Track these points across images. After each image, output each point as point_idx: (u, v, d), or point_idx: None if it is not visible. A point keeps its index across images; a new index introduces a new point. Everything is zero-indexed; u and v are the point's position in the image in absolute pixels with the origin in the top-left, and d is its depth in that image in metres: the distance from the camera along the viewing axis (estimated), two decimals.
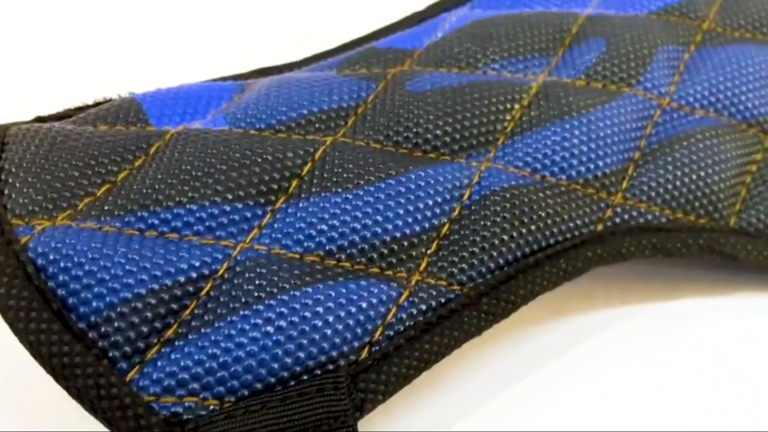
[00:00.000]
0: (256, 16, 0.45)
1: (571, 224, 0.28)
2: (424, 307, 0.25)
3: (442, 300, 0.25)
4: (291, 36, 0.43)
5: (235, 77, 0.32)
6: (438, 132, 0.28)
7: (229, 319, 0.23)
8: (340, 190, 0.26)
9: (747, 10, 0.36)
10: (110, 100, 0.30)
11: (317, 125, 0.28)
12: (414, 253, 0.26)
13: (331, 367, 0.23)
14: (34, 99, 0.39)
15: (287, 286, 0.23)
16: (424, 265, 0.26)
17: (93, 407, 0.21)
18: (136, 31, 0.43)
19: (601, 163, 0.29)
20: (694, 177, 0.30)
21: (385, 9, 0.40)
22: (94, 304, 0.22)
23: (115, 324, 0.22)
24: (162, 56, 0.42)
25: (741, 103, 0.33)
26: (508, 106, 0.30)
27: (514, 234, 0.27)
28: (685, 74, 0.33)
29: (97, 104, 0.30)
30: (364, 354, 0.24)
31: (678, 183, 0.30)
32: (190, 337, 0.23)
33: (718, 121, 0.32)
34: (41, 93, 0.40)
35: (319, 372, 0.23)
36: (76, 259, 0.23)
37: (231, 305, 0.23)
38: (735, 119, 0.32)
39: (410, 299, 0.25)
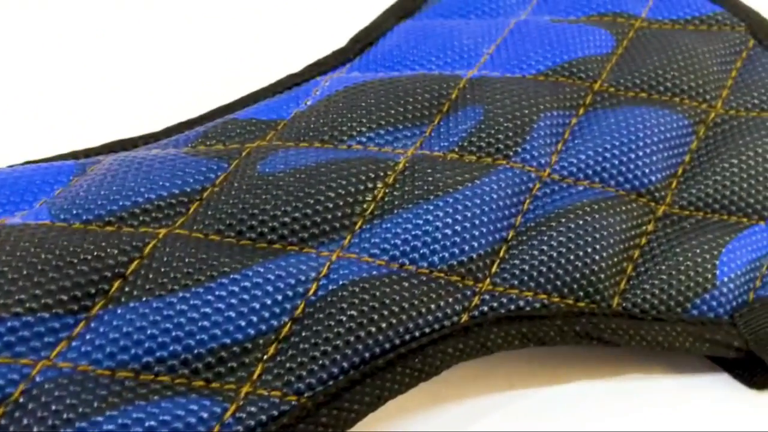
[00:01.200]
0: (256, 16, 0.44)
1: (431, 317, 0.26)
2: (252, 423, 0.23)
3: (275, 413, 0.23)
4: (291, 36, 0.42)
5: (85, 153, 0.30)
6: (286, 219, 0.26)
7: None
8: (164, 292, 0.24)
9: (644, 67, 0.34)
10: None
11: (154, 214, 0.26)
12: (247, 361, 0.23)
13: None
14: (34, 100, 0.39)
15: (88, 412, 0.21)
16: (258, 373, 0.23)
17: None
18: (136, 31, 0.43)
19: (467, 247, 0.27)
20: (571, 257, 0.28)
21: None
22: None
23: None
24: (161, 57, 0.42)
25: (630, 171, 0.31)
26: (370, 185, 0.28)
27: (362, 333, 0.25)
28: (570, 142, 0.31)
29: None
30: None
31: (553, 264, 0.28)
32: None
33: (603, 192, 0.30)
34: (41, 94, 0.39)
35: None
36: None
37: None
38: (623, 189, 0.30)
39: (237, 415, 0.22)
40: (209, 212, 0.26)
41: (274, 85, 0.33)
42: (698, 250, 0.29)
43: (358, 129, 0.29)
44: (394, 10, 0.37)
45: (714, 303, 0.29)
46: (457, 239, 0.27)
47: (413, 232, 0.27)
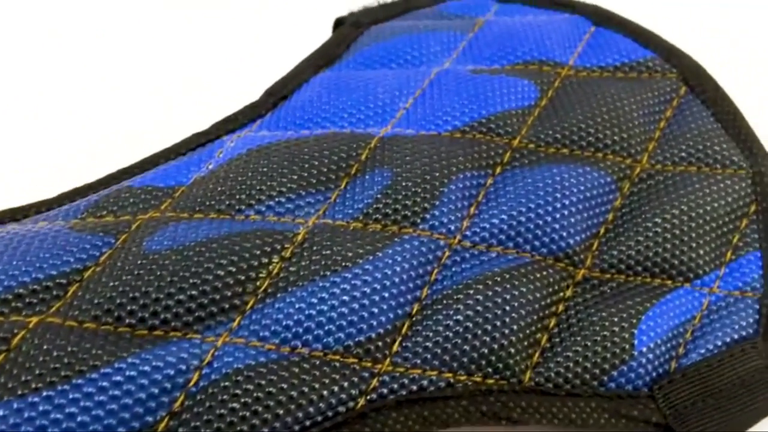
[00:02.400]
0: (256, 16, 0.44)
1: (323, 405, 0.24)
2: None
3: None
4: (291, 35, 0.43)
5: None
6: (168, 302, 0.25)
7: None
8: (27, 391, 0.22)
9: (566, 121, 0.32)
10: None
11: (28, 300, 0.24)
12: None
13: None
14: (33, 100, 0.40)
15: None
16: None
17: None
18: (135, 31, 0.44)
19: (365, 326, 0.26)
20: (479, 332, 0.27)
21: None
22: None
23: None
24: (161, 59, 0.42)
25: (546, 235, 0.29)
26: (264, 260, 0.26)
27: (245, 428, 0.23)
28: (484, 205, 0.30)
29: None
30: None
31: (460, 340, 0.26)
32: None
33: (518, 258, 0.29)
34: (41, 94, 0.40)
35: None
36: None
37: None
38: (539, 254, 0.29)
39: None
40: (87, 296, 0.24)
41: (178, 145, 0.31)
42: (616, 318, 0.28)
43: (257, 197, 0.28)
44: (313, 59, 0.36)
45: (632, 375, 0.27)
46: (355, 318, 0.26)
47: (308, 312, 0.25)
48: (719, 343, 0.29)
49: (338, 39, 0.37)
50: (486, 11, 0.39)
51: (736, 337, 0.29)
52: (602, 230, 0.30)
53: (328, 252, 0.26)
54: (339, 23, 0.40)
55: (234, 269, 0.25)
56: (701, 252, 0.30)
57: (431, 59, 0.36)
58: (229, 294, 0.25)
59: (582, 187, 0.30)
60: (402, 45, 0.36)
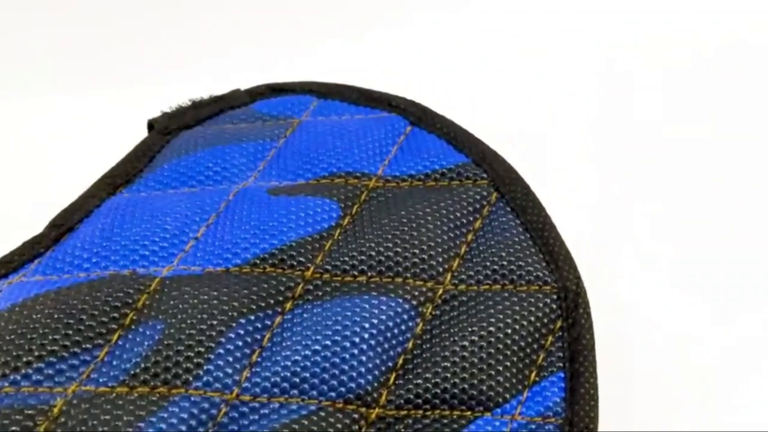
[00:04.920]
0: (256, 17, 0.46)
1: None
2: None
3: None
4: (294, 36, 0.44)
5: None
6: None
7: None
8: None
9: (365, 244, 0.31)
10: None
11: None
12: None
13: None
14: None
15: None
16: None
17: None
18: (135, 31, 0.46)
19: None
20: None
21: None
22: None
23: None
24: (161, 61, 0.44)
25: (335, 377, 0.28)
26: None
27: None
28: (269, 350, 0.28)
29: None
30: None
31: None
32: None
33: (302, 407, 0.27)
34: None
35: None
36: None
37: None
38: (327, 398, 0.28)
39: None
40: None
41: None
42: None
43: (14, 365, 0.26)
44: (110, 177, 0.34)
45: None
46: None
47: None
48: None
49: (140, 150, 0.35)
50: (304, 109, 0.38)
51: None
52: (401, 361, 0.29)
53: (83, 428, 0.25)
54: (152, 126, 0.38)
55: None
56: (502, 378, 0.29)
57: (235, 175, 0.34)
58: None
59: (376, 320, 0.29)
60: (204, 159, 0.34)
